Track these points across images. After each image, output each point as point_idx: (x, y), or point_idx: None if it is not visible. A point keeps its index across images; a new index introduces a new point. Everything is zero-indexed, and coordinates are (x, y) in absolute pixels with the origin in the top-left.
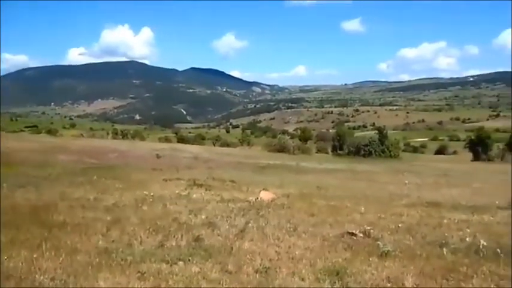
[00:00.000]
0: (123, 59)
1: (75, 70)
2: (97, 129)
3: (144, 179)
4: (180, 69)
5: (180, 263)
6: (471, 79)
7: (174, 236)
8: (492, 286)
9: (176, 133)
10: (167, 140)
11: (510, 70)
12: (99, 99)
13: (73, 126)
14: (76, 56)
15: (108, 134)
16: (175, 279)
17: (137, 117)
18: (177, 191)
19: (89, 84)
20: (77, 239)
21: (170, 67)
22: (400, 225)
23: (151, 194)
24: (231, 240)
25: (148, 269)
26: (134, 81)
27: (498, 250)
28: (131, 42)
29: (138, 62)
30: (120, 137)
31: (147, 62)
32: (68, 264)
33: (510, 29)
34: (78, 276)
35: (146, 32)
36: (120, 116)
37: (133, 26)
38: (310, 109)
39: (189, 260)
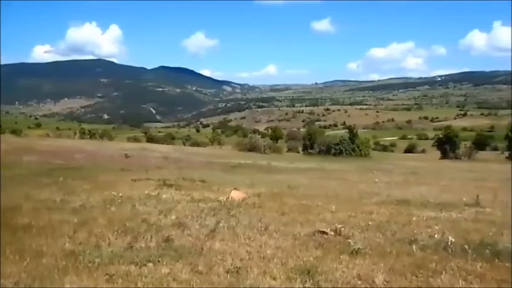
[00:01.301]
0: (91, 57)
1: (40, 68)
2: (63, 129)
3: (112, 179)
4: (149, 67)
5: (150, 264)
6: (439, 79)
7: (144, 237)
8: (460, 281)
9: (145, 133)
10: (136, 139)
11: (476, 70)
12: (66, 98)
13: (38, 126)
14: (41, 54)
15: (75, 133)
16: (144, 281)
17: (105, 116)
18: (146, 192)
19: (55, 82)
20: (42, 242)
21: (139, 65)
22: (370, 223)
23: (120, 194)
24: (202, 240)
25: (117, 271)
26: (102, 79)
27: (466, 246)
28: (99, 40)
29: (106, 61)
30: (88, 136)
31: (115, 60)
32: (33, 268)
33: (477, 30)
34: (43, 280)
35: (114, 30)
36: (87, 116)
37: (100, 24)
38: (281, 108)
39: (158, 261)
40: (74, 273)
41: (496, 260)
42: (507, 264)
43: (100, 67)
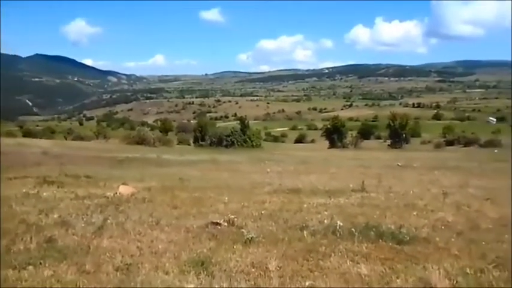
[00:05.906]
0: None
1: None
2: None
3: None
4: (23, 55)
5: (30, 267)
6: (326, 71)
7: (22, 239)
8: (348, 262)
9: (21, 126)
10: (11, 134)
11: (361, 63)
12: None
13: None
14: None
15: None
16: (24, 285)
17: None
18: (24, 190)
19: None
20: None
21: (11, 53)
22: (263, 212)
23: None
24: (88, 238)
25: None
26: None
27: (353, 229)
28: None
29: None
30: None
31: None
32: None
33: (361, 25)
34: None
35: None
36: None
37: None
38: (170, 100)
39: (40, 263)
40: None
41: (380, 241)
42: (390, 244)
43: None
